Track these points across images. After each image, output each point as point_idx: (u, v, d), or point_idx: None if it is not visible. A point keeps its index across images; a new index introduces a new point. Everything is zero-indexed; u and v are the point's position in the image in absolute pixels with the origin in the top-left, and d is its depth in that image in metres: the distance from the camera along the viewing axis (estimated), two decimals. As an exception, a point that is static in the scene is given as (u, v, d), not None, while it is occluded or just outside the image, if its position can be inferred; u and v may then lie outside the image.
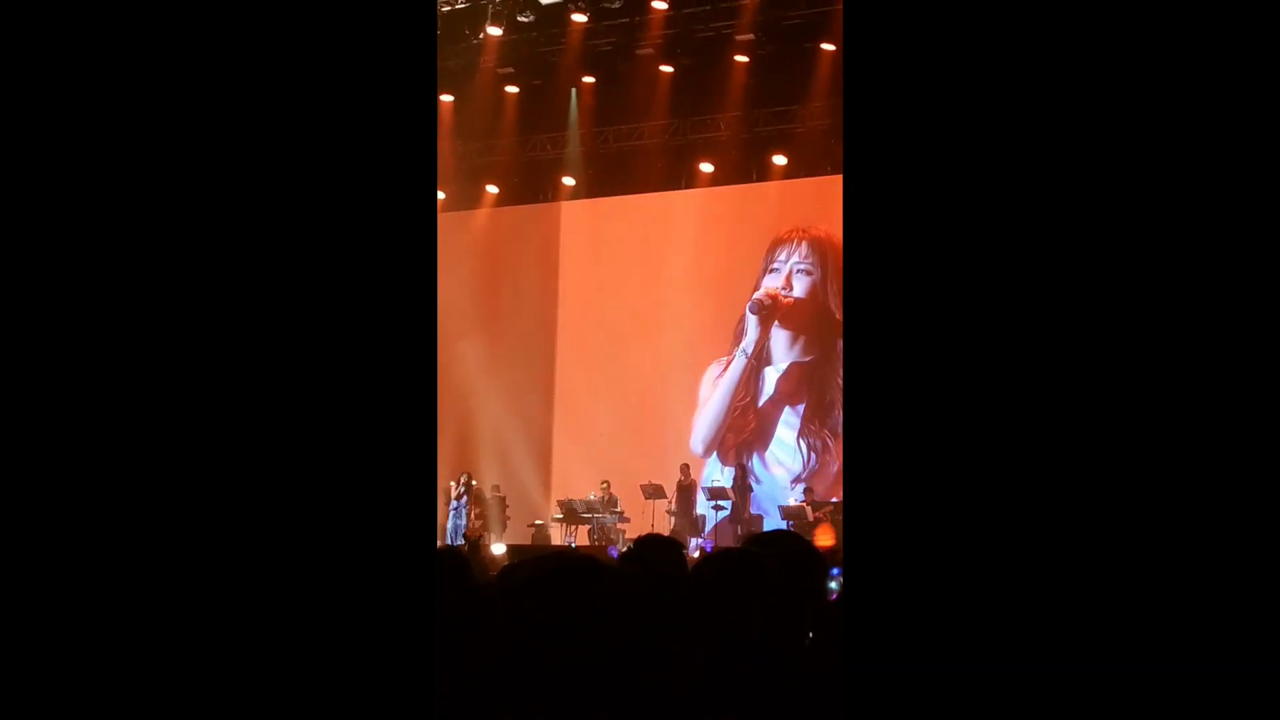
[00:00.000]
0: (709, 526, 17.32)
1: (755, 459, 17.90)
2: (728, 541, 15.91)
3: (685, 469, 17.82)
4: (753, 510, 17.06)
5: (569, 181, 19.74)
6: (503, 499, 18.61)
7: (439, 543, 16.21)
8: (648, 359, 19.02)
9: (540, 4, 17.45)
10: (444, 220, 20.52)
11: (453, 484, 17.69)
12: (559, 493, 18.66)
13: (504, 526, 18.30)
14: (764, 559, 2.55)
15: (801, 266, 17.95)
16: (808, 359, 17.87)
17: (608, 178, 19.45)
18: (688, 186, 19.14)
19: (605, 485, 18.19)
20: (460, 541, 16.47)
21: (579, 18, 17.50)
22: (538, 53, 18.60)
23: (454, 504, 17.63)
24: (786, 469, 17.73)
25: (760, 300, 17.97)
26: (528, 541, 17.70)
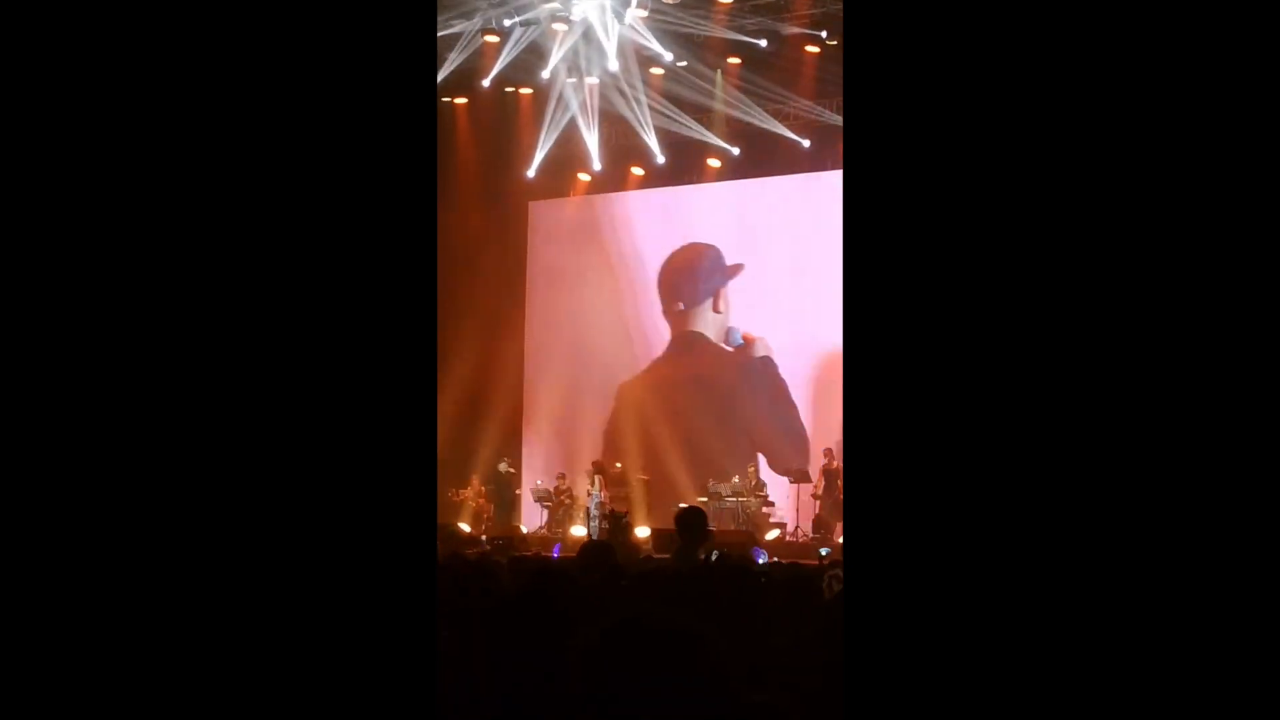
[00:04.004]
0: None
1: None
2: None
3: (829, 452, 17.59)
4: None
5: (714, 164, 19.66)
6: (645, 481, 18.62)
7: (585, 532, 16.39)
8: (793, 340, 18.90)
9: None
10: (589, 202, 20.77)
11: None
12: (704, 476, 18.60)
13: (648, 510, 18.32)
14: None
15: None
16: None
17: (753, 159, 19.31)
18: (833, 168, 18.89)
19: (753, 470, 18.08)
20: (597, 525, 16.59)
21: (724, -2, 17.45)
22: (683, 33, 18.54)
23: (592, 495, 17.69)
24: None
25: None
26: (672, 526, 17.64)
